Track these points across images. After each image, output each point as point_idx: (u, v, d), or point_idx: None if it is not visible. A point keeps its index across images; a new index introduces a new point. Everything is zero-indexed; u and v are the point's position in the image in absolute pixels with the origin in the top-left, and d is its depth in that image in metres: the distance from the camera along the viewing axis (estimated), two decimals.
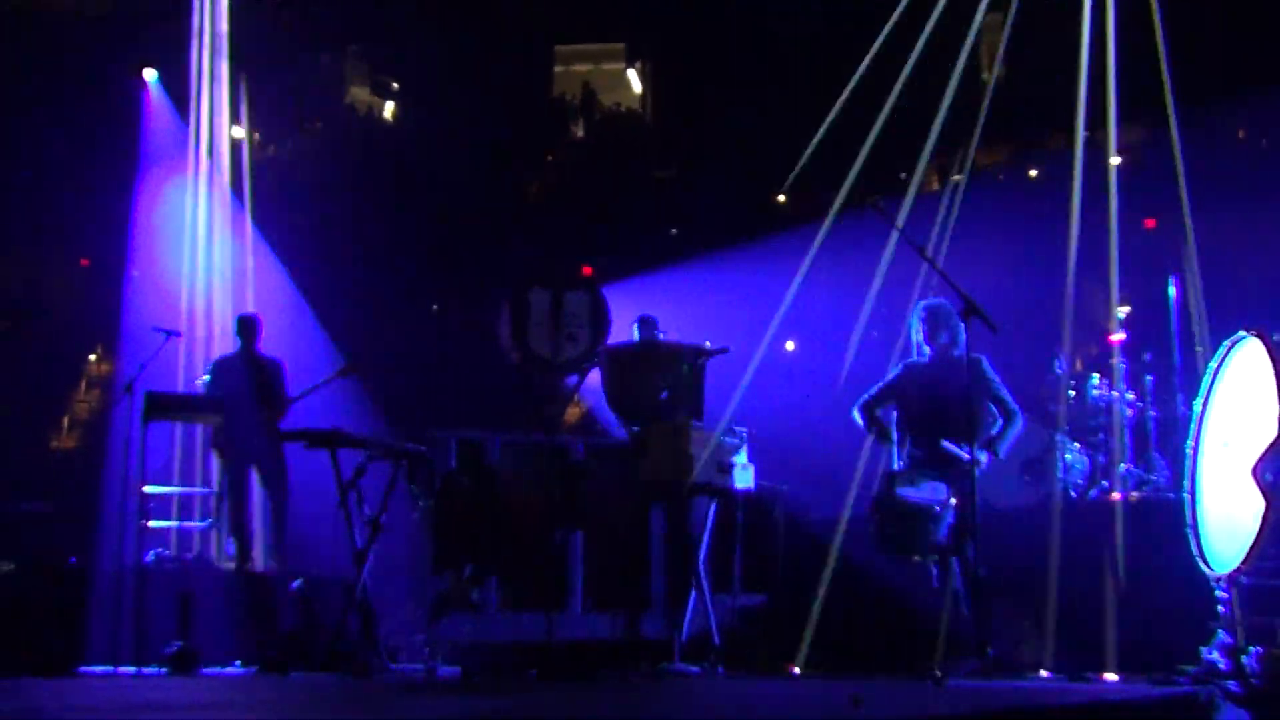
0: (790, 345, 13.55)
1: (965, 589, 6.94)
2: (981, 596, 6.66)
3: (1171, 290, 9.18)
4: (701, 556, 7.49)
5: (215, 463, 9.99)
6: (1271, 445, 5.57)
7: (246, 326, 9.92)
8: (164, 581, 8.66)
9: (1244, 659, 5.51)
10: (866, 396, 7.71)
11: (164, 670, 7.68)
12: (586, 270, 10.34)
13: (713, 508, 7.60)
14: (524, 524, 7.87)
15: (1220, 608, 5.89)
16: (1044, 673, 6.59)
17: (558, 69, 27.63)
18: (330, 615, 7.78)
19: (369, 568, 7.33)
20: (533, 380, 9.19)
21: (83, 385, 18.22)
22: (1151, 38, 8.19)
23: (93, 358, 17.80)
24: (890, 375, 7.73)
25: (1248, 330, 6.06)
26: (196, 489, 10.11)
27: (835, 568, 7.45)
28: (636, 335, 9.09)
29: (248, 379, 9.64)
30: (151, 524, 9.53)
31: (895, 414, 7.64)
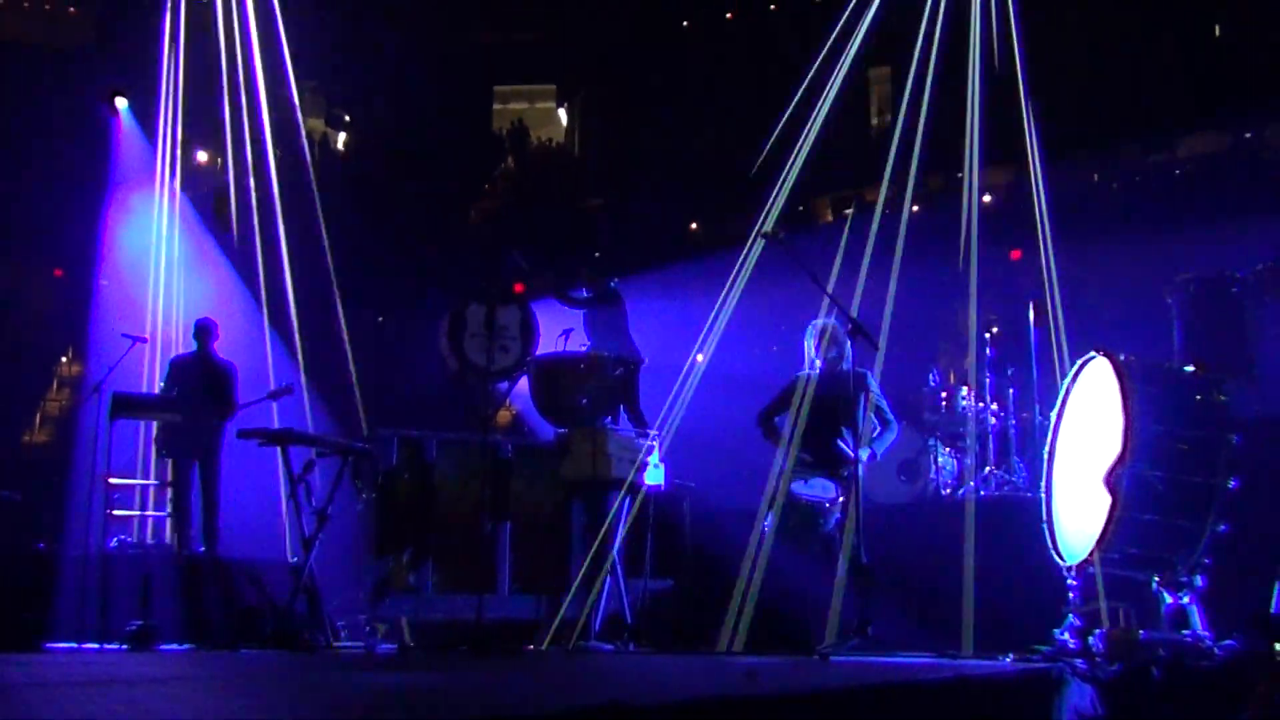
0: (700, 357, 13.58)
1: (850, 575, 7.01)
2: (864, 582, 6.72)
3: (1031, 313, 9.34)
4: (616, 545, 7.50)
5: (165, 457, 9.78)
6: (1118, 456, 5.66)
7: (203, 331, 9.75)
8: (125, 565, 8.51)
9: (1090, 639, 5.59)
10: (764, 409, 7.80)
11: (124, 646, 7.54)
12: (518, 288, 10.30)
13: (627, 502, 7.62)
14: (458, 514, 7.84)
15: (1070, 594, 5.97)
16: (916, 650, 6.67)
17: (496, 107, 27.57)
18: (279, 596, 7.69)
19: (316, 553, 7.25)
20: (468, 386, 9.15)
21: (54, 385, 17.84)
22: (1022, 92, 8.35)
23: (64, 360, 17.43)
24: (784, 387, 7.81)
25: (1097, 350, 6.17)
26: (157, 481, 9.92)
27: (734, 557, 7.48)
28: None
29: (200, 380, 9.48)
30: (115, 513, 9.37)
31: (788, 420, 7.72)
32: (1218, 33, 20.97)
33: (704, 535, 8.40)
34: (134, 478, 9.90)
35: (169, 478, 9.56)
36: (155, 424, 9.59)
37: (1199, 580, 5.65)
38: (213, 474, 9.39)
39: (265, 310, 11.26)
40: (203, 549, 9.21)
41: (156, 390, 9.89)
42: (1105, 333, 7.48)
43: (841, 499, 7.20)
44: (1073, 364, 6.40)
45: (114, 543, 9.19)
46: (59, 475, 10.65)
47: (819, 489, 7.29)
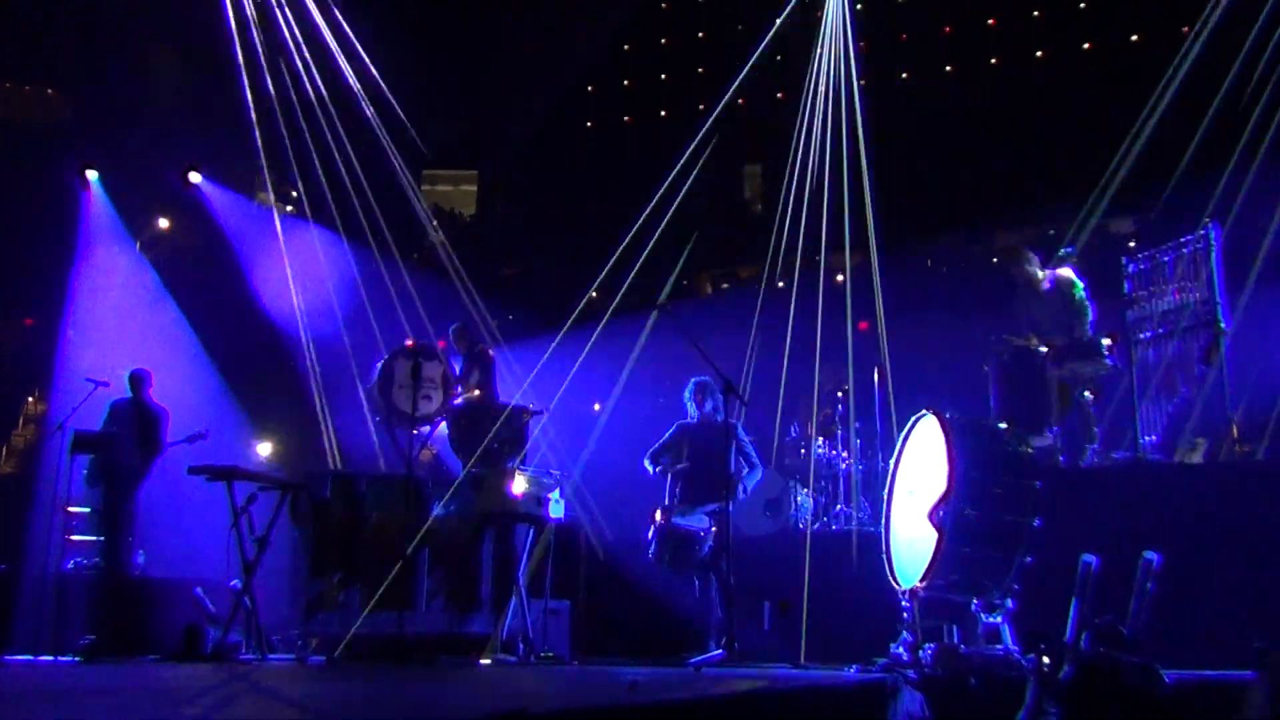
0: (596, 406, 13.56)
1: (719, 596, 7.03)
2: (732, 602, 6.75)
3: (875, 376, 9.52)
4: (520, 570, 7.43)
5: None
6: (943, 494, 5.76)
7: (136, 380, 9.44)
8: (80, 585, 8.20)
9: (921, 653, 5.65)
10: (651, 450, 7.84)
11: (77, 660, 7.23)
12: (440, 344, 10.21)
13: (530, 532, 7.56)
14: (383, 541, 7.68)
15: (904, 614, 6.03)
16: (776, 662, 6.69)
17: (425, 188, 27.58)
18: (221, 615, 7.46)
19: (256, 576, 7.04)
20: (394, 429, 9.02)
21: (20, 421, 17.15)
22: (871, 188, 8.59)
23: (30, 400, 16.80)
24: (667, 433, 7.87)
25: (927, 409, 6.29)
26: (90, 508, 9.54)
27: (622, 580, 7.47)
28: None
29: (133, 423, 9.18)
30: (73, 537, 9.02)
31: (670, 460, 7.77)
32: (1028, 146, 21.91)
33: (597, 562, 8.36)
34: (91, 507, 9.53)
35: (97, 505, 9.22)
36: (89, 461, 9.20)
37: (1009, 603, 5.75)
38: (126, 501, 8.98)
39: (214, 362, 11.03)
40: (104, 562, 8.79)
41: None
42: (934, 394, 7.66)
43: (714, 529, 7.24)
44: (907, 420, 6.51)
45: (70, 565, 8.84)
46: (22, 503, 10.21)
47: (695, 521, 7.33)
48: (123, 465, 8.98)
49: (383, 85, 10.54)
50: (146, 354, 10.59)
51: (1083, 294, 8.12)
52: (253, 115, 10.40)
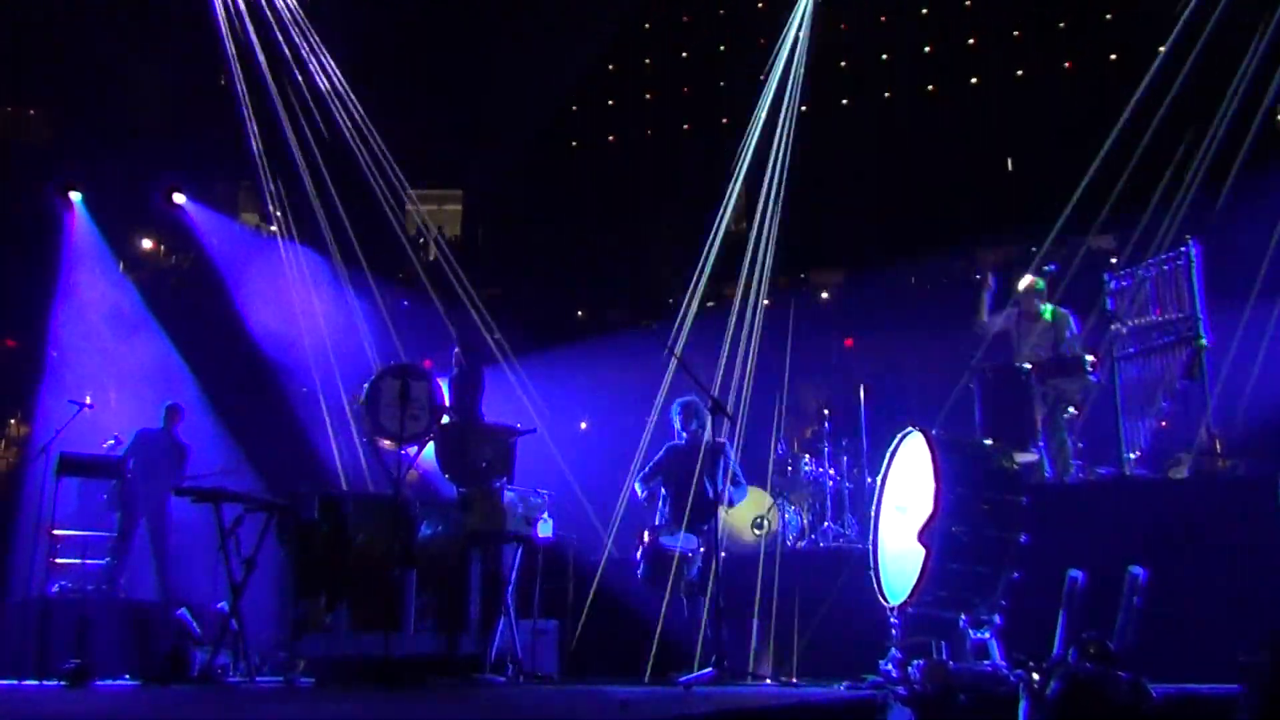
0: (584, 425, 13.56)
1: (709, 615, 7.03)
2: (720, 621, 6.74)
3: (861, 393, 9.56)
4: (509, 590, 7.41)
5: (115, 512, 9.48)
6: (931, 515, 5.77)
7: (171, 413, 9.63)
8: (65, 609, 8.14)
9: (909, 669, 5.66)
10: (642, 473, 7.86)
11: (61, 684, 7.16)
12: (427, 364, 10.20)
13: (519, 552, 7.55)
14: (369, 562, 7.65)
15: (893, 630, 6.04)
16: (765, 680, 6.69)
17: (409, 208, 27.55)
18: (208, 637, 7.42)
19: (242, 598, 7.01)
20: (381, 450, 9.01)
21: (2, 444, 17.04)
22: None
23: (13, 421, 16.69)
24: (657, 455, 7.89)
25: (913, 426, 6.32)
26: (98, 532, 9.52)
27: (610, 600, 7.46)
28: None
29: (164, 454, 9.31)
30: (58, 560, 8.97)
31: (660, 482, 7.78)
32: (1009, 165, 22.09)
33: (585, 581, 8.34)
34: (76, 530, 9.48)
35: (116, 530, 9.29)
36: (114, 486, 9.33)
37: (997, 619, 5.78)
38: (160, 533, 9.18)
39: (198, 382, 11.00)
40: (158, 598, 8.93)
41: (119, 452, 9.61)
42: (920, 410, 7.69)
43: (703, 550, 7.24)
44: (894, 437, 6.54)
45: (55, 588, 8.79)
46: (4, 526, 10.16)
47: (683, 541, 7.33)
48: (152, 496, 9.14)
49: (363, 104, 10.58)
50: (129, 375, 10.56)
51: (1073, 327, 8.37)
52: (246, 138, 10.45)
